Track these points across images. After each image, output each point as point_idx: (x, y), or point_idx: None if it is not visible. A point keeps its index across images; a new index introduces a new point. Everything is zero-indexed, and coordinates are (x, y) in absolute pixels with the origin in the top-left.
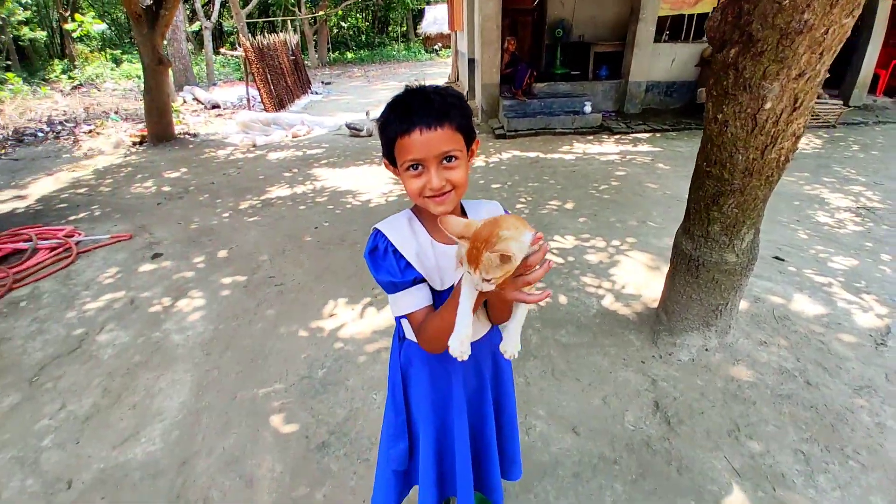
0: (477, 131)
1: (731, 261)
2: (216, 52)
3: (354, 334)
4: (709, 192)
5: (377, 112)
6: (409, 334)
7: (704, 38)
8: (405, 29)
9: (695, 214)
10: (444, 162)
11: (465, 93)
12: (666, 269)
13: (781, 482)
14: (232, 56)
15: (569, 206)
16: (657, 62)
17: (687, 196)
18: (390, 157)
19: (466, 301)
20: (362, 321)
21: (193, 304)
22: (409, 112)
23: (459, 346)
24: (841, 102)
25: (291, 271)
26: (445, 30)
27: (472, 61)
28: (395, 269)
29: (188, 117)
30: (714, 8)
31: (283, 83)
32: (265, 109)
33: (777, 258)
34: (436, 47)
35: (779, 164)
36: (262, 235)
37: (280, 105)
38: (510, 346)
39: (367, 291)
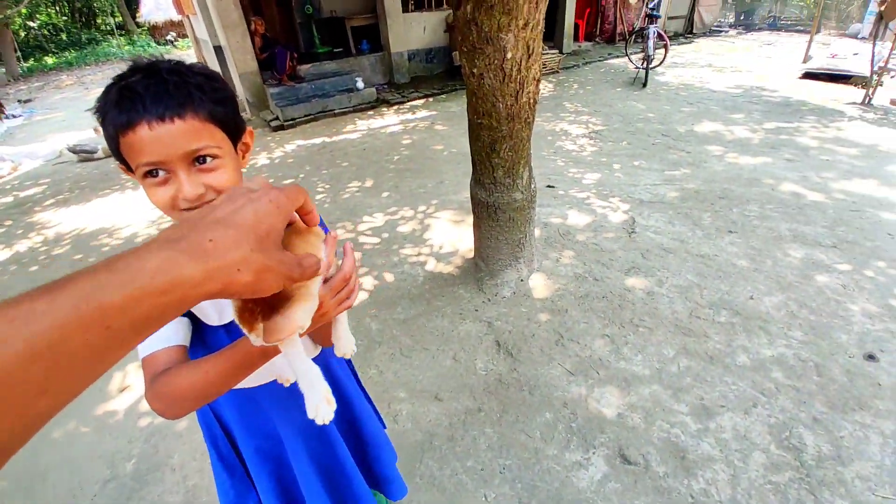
0: (250, 127)
1: (519, 198)
2: None
3: None
4: (485, 141)
5: None
6: None
7: (445, 6)
8: (119, 19)
9: (479, 164)
10: (197, 164)
11: None
12: (471, 220)
13: (601, 365)
14: None
15: (368, 184)
16: (411, 31)
17: (468, 150)
18: (119, 157)
19: (298, 355)
20: None
21: None
22: (133, 98)
23: (326, 407)
24: (557, 51)
25: None
26: (175, 16)
27: (218, 49)
28: None
29: None
30: None
31: None
32: None
33: (549, 186)
34: (169, 37)
35: (530, 105)
36: None
37: None
38: (346, 345)
39: None
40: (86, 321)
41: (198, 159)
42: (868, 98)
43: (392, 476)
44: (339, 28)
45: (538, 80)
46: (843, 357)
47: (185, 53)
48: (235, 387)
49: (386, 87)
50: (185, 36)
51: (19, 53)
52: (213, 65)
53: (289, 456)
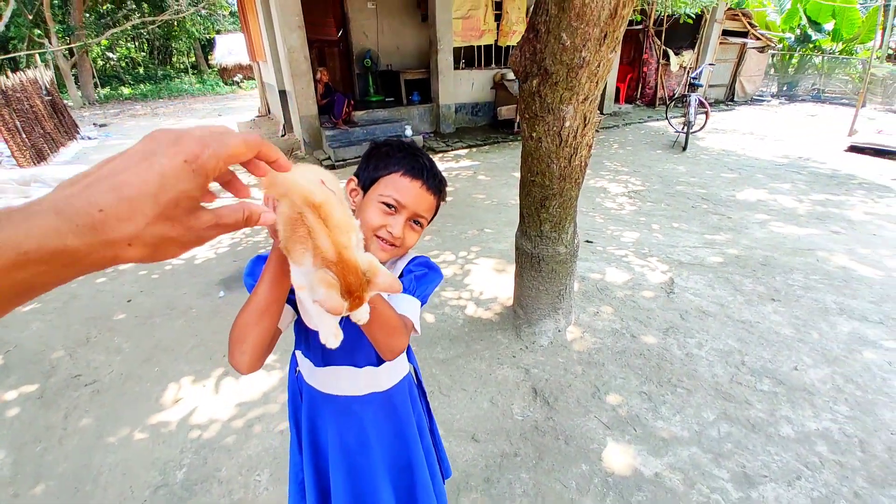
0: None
1: (563, 251)
2: None
3: (213, 415)
4: (536, 197)
5: None
6: (301, 364)
7: (493, 66)
8: (193, 60)
9: (528, 217)
10: (412, 223)
11: (281, 126)
12: (511, 269)
13: (638, 422)
14: None
15: None
16: (460, 86)
17: (510, 201)
18: (367, 181)
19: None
20: (220, 397)
21: None
22: (420, 164)
23: (333, 339)
24: (599, 111)
25: (106, 362)
26: (244, 61)
27: (283, 93)
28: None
29: None
30: (515, 46)
31: (39, 130)
32: (18, 165)
33: (588, 241)
34: (236, 79)
35: (581, 168)
36: (49, 326)
37: (39, 158)
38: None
39: (218, 360)
40: None
41: (416, 221)
42: None
43: None
44: (392, 80)
45: (591, 146)
46: (885, 434)
47: (249, 93)
48: (318, 388)
49: (432, 135)
50: (250, 78)
51: (97, 80)
52: (277, 106)
53: (330, 472)
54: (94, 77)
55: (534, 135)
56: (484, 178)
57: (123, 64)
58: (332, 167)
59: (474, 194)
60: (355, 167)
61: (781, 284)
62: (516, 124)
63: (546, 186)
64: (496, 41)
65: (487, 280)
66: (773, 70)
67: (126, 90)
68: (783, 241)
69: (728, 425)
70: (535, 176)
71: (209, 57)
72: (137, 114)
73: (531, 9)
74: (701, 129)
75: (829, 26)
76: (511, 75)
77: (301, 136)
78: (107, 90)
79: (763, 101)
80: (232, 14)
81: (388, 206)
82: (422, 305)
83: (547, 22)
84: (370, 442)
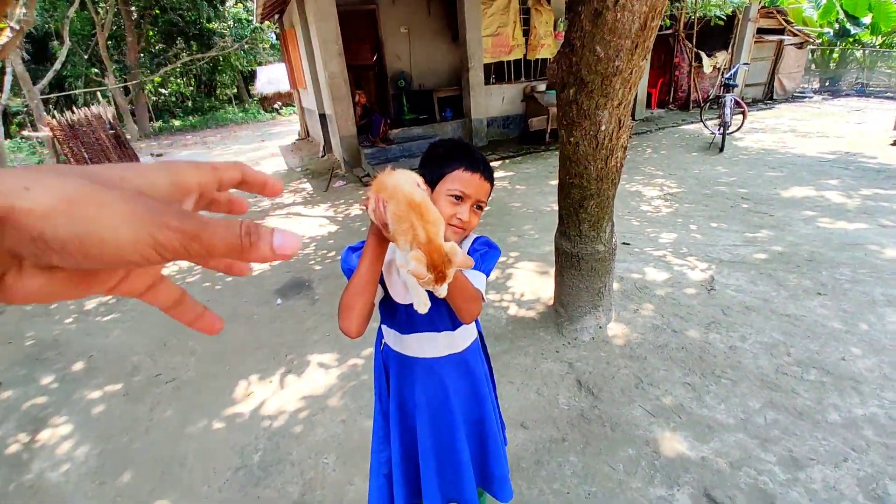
0: (345, 181)
1: (602, 250)
2: (10, 136)
3: (281, 407)
4: (575, 198)
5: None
6: (387, 336)
7: (523, 79)
8: (236, 91)
9: (567, 218)
10: (475, 207)
11: (321, 147)
12: (550, 271)
13: (682, 410)
14: (36, 138)
15: None
16: (491, 101)
17: (545, 208)
18: (434, 178)
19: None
20: (285, 392)
21: (61, 431)
22: (475, 158)
23: (423, 307)
24: (631, 117)
25: (182, 363)
26: (282, 89)
27: (323, 116)
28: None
29: None
30: (551, 59)
31: (105, 161)
32: None
33: (625, 243)
34: (275, 106)
35: (618, 169)
36: (129, 333)
37: None
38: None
39: (281, 360)
40: None
41: (478, 206)
42: None
43: (505, 476)
44: (425, 98)
45: (625, 147)
46: None
47: (288, 119)
48: (405, 353)
49: None
50: (288, 105)
51: (151, 114)
52: (316, 129)
53: (416, 426)
54: (148, 111)
55: (571, 139)
56: (519, 188)
57: (173, 98)
58: (371, 183)
59: (510, 203)
60: None
61: (828, 279)
62: (547, 134)
63: (584, 187)
64: (525, 55)
65: (528, 282)
66: (813, 66)
67: (177, 122)
68: (830, 237)
69: (774, 413)
70: (574, 178)
71: (250, 87)
72: (188, 143)
73: (558, 21)
74: (738, 129)
75: (866, 20)
76: (541, 87)
77: (341, 156)
78: (160, 123)
79: (805, 97)
80: (272, 47)
81: (456, 197)
82: (487, 278)
83: (582, 37)
84: (450, 397)
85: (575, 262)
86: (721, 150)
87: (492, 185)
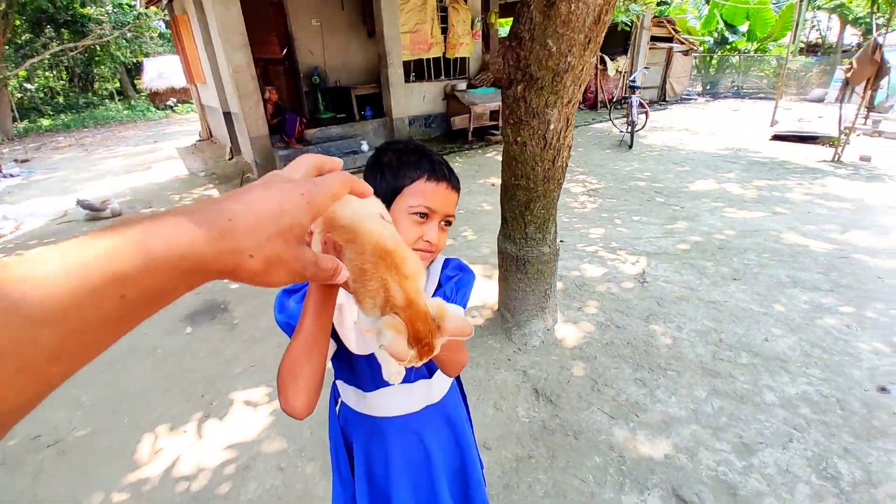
0: None
1: (547, 252)
2: None
3: (200, 463)
4: (521, 200)
5: (121, 186)
6: (345, 395)
7: (443, 77)
8: (119, 85)
9: (512, 221)
10: (443, 224)
11: (227, 149)
12: (493, 275)
13: (638, 408)
14: None
15: None
16: (412, 99)
17: (477, 208)
18: (390, 195)
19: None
20: (204, 442)
21: None
22: (437, 163)
23: (397, 376)
24: None
25: (66, 418)
26: (177, 83)
27: (228, 115)
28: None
29: None
30: (496, 53)
31: None
32: None
33: (560, 241)
34: (169, 103)
35: (563, 169)
36: None
37: None
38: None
39: (196, 402)
40: (100, 290)
41: (446, 221)
42: (838, 156)
43: None
44: (342, 96)
45: (570, 146)
46: (859, 391)
47: (185, 117)
48: (371, 413)
49: None
50: (186, 102)
51: (15, 114)
52: (221, 128)
53: (392, 487)
54: (12, 110)
55: (518, 139)
56: None
57: (42, 94)
58: None
59: None
60: None
61: (739, 264)
62: (469, 133)
63: (531, 189)
64: (444, 53)
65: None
66: (696, 71)
67: (46, 122)
68: (733, 225)
69: (719, 400)
70: (520, 179)
71: (137, 82)
72: (61, 146)
73: (475, 21)
74: (642, 127)
75: (743, 28)
76: (462, 85)
77: (252, 158)
78: (25, 123)
79: (691, 99)
80: (161, 36)
81: (421, 215)
82: (465, 308)
83: (531, 30)
84: (431, 457)
85: (521, 265)
86: (630, 146)
87: (459, 193)
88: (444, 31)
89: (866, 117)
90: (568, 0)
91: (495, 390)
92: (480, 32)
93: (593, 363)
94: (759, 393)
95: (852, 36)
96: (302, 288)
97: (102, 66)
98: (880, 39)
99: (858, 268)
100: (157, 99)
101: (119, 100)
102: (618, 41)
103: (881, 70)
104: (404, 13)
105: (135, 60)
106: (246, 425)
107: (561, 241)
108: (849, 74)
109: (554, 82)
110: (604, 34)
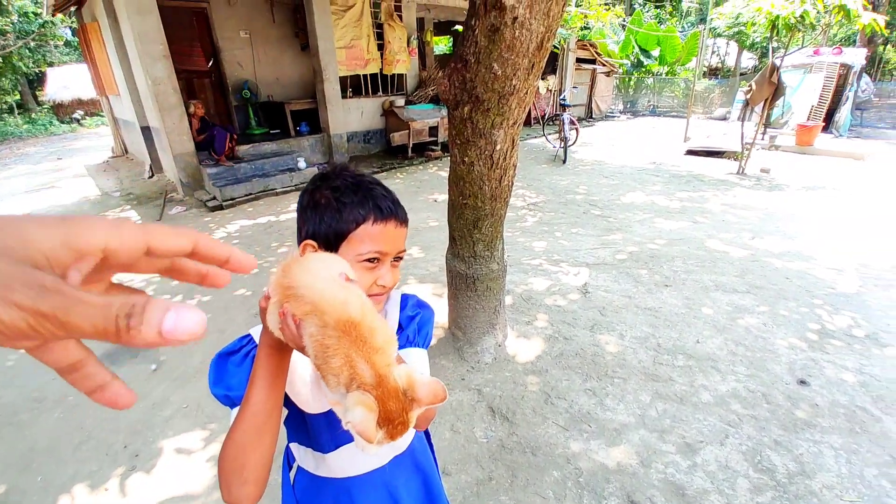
0: (185, 206)
1: (496, 268)
2: None
3: None
4: (469, 219)
5: (23, 208)
6: (301, 459)
7: (381, 93)
8: (18, 98)
9: (460, 239)
10: (394, 260)
11: (146, 166)
12: (442, 293)
13: (590, 418)
14: None
15: None
16: (349, 115)
17: (421, 225)
18: (333, 238)
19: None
20: (132, 499)
21: None
22: (381, 198)
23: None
24: None
25: None
26: (84, 95)
27: (147, 129)
28: (243, 381)
29: None
30: (434, 70)
31: None
32: None
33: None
34: (75, 116)
35: (509, 187)
36: None
37: None
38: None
39: (117, 455)
40: None
41: (396, 258)
42: (741, 169)
43: None
44: (276, 111)
45: (516, 165)
46: (781, 385)
47: (95, 132)
48: (333, 476)
49: (326, 166)
50: (94, 114)
51: None
52: (139, 144)
53: None
54: None
55: (465, 159)
56: None
57: None
58: (219, 207)
59: None
60: (248, 206)
61: (669, 272)
62: (409, 149)
63: (479, 208)
64: (381, 70)
65: None
66: (618, 91)
67: None
68: (662, 235)
69: (662, 403)
70: (468, 199)
71: (38, 93)
72: None
73: (411, 38)
74: (574, 143)
75: (656, 52)
76: (400, 102)
77: (177, 177)
78: None
79: (614, 117)
80: (67, 44)
81: (370, 261)
82: (427, 348)
83: (477, 53)
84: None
85: (470, 283)
86: (564, 161)
87: (408, 223)
88: (381, 47)
89: (764, 133)
90: (512, 26)
91: (451, 412)
92: (416, 50)
93: (545, 376)
94: (696, 393)
95: (749, 59)
96: (241, 348)
97: (3, 79)
98: (777, 62)
99: (769, 270)
100: (62, 111)
101: (19, 113)
102: (547, 62)
103: (778, 90)
104: (339, 28)
105: (37, 70)
106: (180, 476)
107: (507, 257)
108: (748, 96)
109: (500, 104)
110: (546, 59)
